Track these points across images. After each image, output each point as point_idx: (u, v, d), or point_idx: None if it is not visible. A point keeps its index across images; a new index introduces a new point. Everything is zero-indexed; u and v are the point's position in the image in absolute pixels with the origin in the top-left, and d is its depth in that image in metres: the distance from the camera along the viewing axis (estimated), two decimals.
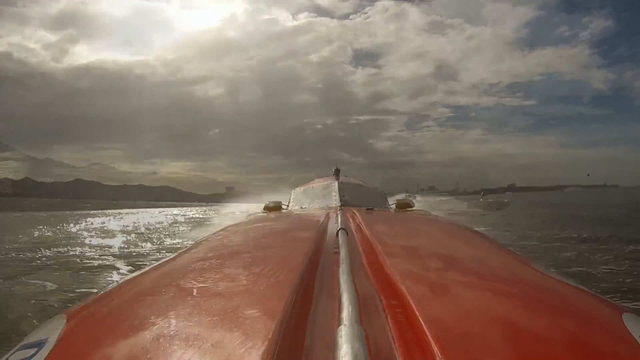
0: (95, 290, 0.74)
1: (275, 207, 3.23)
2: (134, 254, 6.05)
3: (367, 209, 2.03)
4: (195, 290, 0.65)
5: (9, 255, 6.21)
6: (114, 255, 5.81)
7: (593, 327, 0.55)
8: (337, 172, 3.82)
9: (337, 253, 0.84)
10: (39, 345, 0.54)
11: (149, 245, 7.27)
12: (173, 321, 0.53)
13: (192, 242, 1.22)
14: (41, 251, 6.51)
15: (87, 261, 5.30)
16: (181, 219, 18.45)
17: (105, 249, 6.76)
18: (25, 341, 0.59)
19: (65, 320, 0.60)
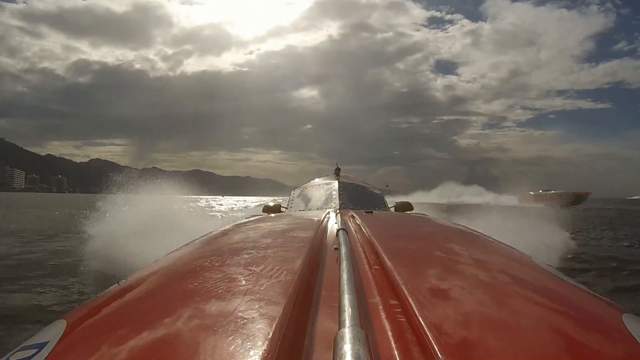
0: (96, 293, 0.74)
1: (275, 209, 3.24)
2: None
3: (366, 211, 2.05)
4: (194, 290, 0.65)
5: None
6: None
7: (593, 327, 0.56)
8: (337, 171, 3.84)
9: (338, 253, 0.85)
10: (39, 347, 0.54)
11: None
12: (173, 322, 0.53)
13: (190, 242, 1.21)
14: None
15: None
16: None
17: None
18: (25, 343, 0.59)
19: (65, 324, 0.61)
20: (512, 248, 1.09)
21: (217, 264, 0.80)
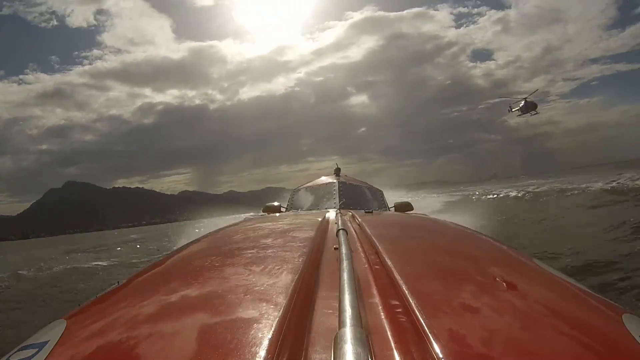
0: (96, 294, 0.78)
1: (275, 209, 3.23)
2: None
3: (366, 211, 2.03)
4: (194, 290, 0.65)
5: None
6: None
7: (593, 327, 0.56)
8: (337, 172, 3.82)
9: (338, 253, 0.85)
10: (39, 347, 0.55)
11: None
12: (172, 322, 0.53)
13: (189, 242, 1.21)
14: None
15: None
16: None
17: None
18: (25, 343, 0.59)
19: (65, 324, 0.61)
20: (512, 248, 1.07)
21: (217, 264, 0.80)
